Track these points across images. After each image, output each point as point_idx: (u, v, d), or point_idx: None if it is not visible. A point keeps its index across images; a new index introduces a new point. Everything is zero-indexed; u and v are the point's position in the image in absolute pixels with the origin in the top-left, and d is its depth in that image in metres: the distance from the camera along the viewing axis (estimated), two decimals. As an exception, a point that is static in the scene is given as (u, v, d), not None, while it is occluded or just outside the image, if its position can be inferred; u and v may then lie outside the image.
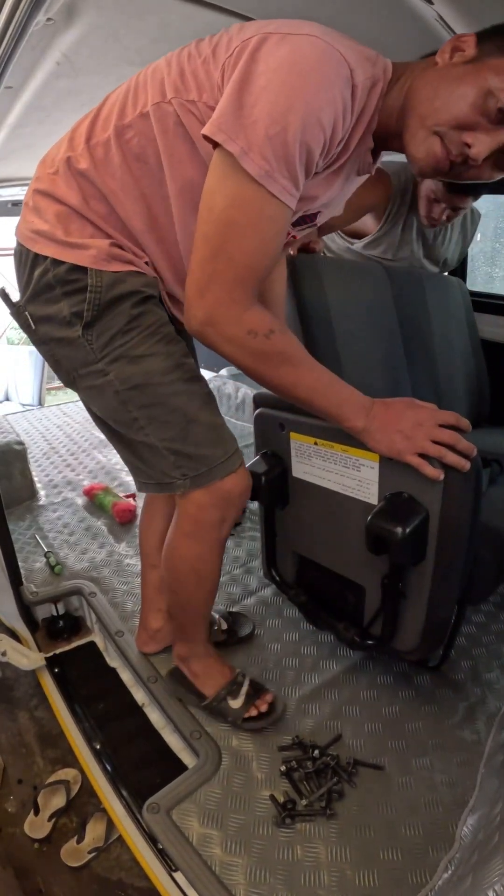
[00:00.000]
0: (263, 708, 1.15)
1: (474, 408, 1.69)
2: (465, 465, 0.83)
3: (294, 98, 0.64)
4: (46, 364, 4.18)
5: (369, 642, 1.07)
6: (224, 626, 1.39)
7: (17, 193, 2.10)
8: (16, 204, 2.16)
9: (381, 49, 0.85)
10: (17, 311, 0.95)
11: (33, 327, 0.92)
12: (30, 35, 1.15)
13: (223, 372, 3.08)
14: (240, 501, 0.98)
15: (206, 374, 2.84)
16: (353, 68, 0.67)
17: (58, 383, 6.54)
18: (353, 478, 1.00)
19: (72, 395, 6.02)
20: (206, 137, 0.69)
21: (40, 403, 4.45)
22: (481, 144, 0.71)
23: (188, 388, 0.90)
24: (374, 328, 1.37)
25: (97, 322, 0.86)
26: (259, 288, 0.77)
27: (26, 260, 0.89)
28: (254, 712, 1.14)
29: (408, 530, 0.86)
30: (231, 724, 1.16)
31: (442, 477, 0.83)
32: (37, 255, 0.87)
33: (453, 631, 1.12)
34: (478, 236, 1.97)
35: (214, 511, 0.96)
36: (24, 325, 0.93)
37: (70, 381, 0.96)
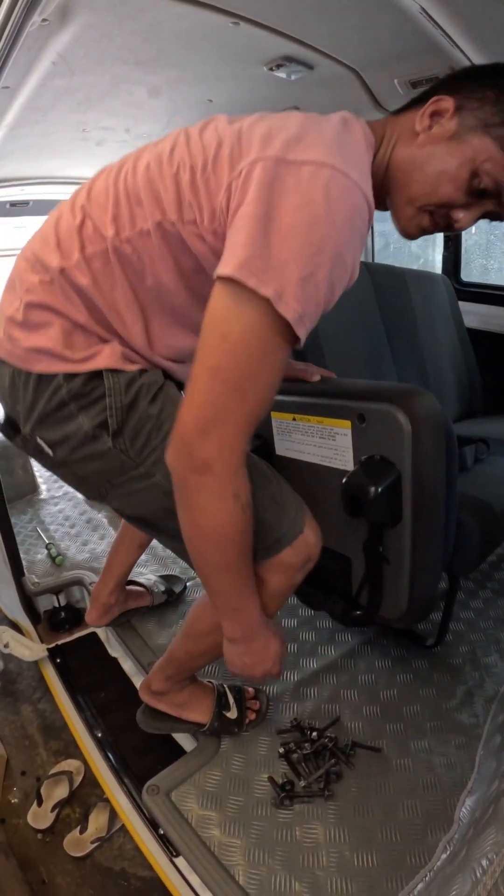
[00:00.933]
0: (255, 707, 1.16)
1: (465, 398, 1.71)
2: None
3: (323, 239, 0.61)
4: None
5: (358, 613, 1.08)
6: (163, 588, 1.48)
7: (16, 194, 2.13)
8: (14, 205, 2.19)
9: (366, 42, 0.88)
10: (24, 439, 0.84)
11: (50, 454, 0.83)
12: (25, 35, 1.18)
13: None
14: (314, 555, 0.93)
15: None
16: (364, 192, 0.65)
17: None
18: (330, 447, 1.02)
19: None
20: (229, 279, 0.62)
21: None
22: (467, 218, 0.74)
23: None
24: (357, 325, 1.40)
25: (125, 427, 0.79)
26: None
27: (25, 382, 0.78)
28: (252, 716, 1.14)
29: (380, 489, 0.88)
30: (236, 735, 1.13)
31: None
32: (40, 376, 0.77)
33: (448, 604, 1.12)
34: (472, 229, 1.99)
35: (289, 570, 0.90)
36: (36, 452, 0.84)
37: (101, 494, 0.88)
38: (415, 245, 2.49)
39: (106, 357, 0.77)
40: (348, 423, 0.96)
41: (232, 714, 1.12)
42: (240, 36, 1.26)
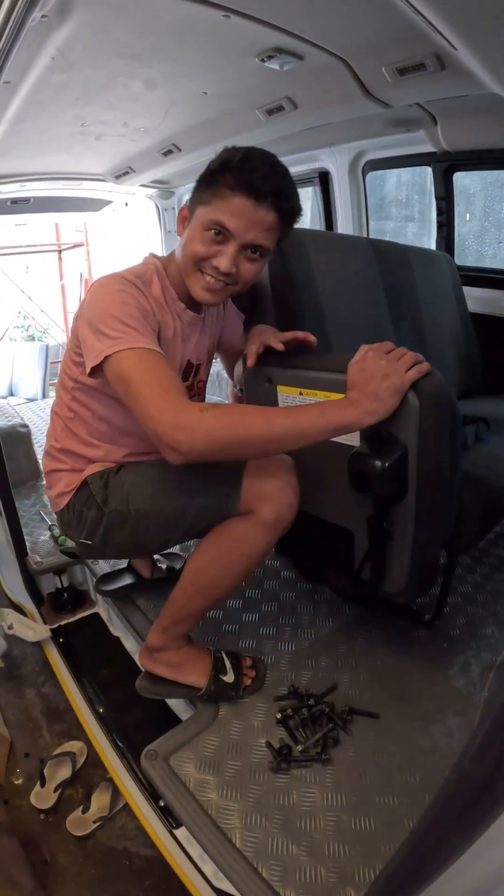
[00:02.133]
0: (252, 674, 1.17)
1: (465, 376, 1.72)
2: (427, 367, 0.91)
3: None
4: (49, 360, 4.31)
5: (359, 588, 1.09)
6: (164, 565, 1.51)
7: (17, 190, 2.18)
8: (15, 202, 2.24)
9: (353, 31, 0.92)
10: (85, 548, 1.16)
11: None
12: (26, 31, 1.22)
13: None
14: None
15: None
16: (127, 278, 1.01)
17: None
18: None
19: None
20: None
21: (44, 398, 4.55)
22: (223, 259, 0.99)
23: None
24: (360, 297, 1.41)
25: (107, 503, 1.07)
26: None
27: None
28: (247, 681, 1.16)
29: (387, 464, 0.89)
30: (233, 700, 1.14)
31: None
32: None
33: (446, 580, 1.13)
34: (467, 216, 2.02)
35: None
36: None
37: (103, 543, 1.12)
38: (410, 234, 2.53)
39: (87, 473, 1.13)
40: None
41: (228, 678, 1.13)
42: (231, 28, 1.30)
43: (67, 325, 7.03)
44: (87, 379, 1.03)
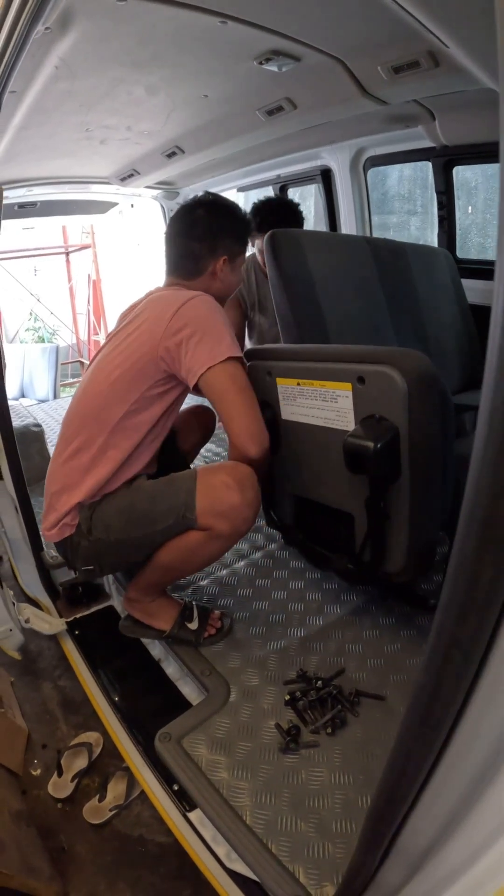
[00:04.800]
0: (217, 625, 1.32)
1: (467, 368, 1.74)
2: None
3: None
4: (59, 361, 4.37)
5: (360, 569, 1.12)
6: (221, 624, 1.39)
7: (23, 195, 2.24)
8: (22, 206, 2.30)
9: (347, 32, 0.97)
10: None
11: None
12: (30, 43, 1.27)
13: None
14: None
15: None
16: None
17: (72, 379, 6.70)
18: (332, 409, 1.07)
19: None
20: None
21: (55, 398, 4.62)
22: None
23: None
24: (358, 295, 1.45)
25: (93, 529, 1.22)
26: None
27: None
28: (212, 630, 1.31)
29: (380, 445, 0.93)
30: (193, 645, 1.28)
31: None
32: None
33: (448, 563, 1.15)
34: (469, 209, 2.03)
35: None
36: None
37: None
38: (413, 228, 2.54)
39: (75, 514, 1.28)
40: (349, 386, 1.02)
41: (193, 626, 1.29)
42: (228, 33, 1.33)
43: (77, 326, 7.09)
44: (160, 389, 1.17)
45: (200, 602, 1.41)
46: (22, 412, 2.30)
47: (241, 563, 1.59)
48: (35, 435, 2.17)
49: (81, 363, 6.99)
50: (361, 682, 1.16)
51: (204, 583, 1.55)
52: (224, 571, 1.59)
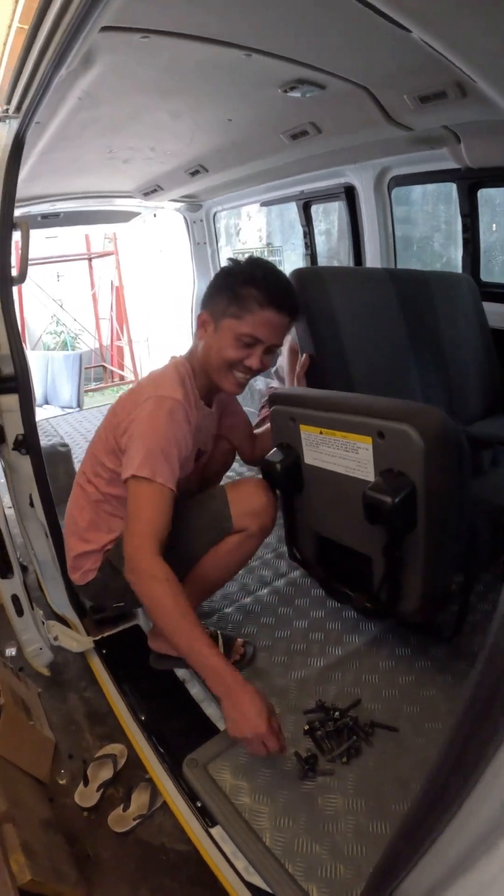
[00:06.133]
0: (241, 652, 1.37)
1: (489, 396, 1.74)
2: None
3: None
4: (83, 367, 4.38)
5: (377, 608, 1.16)
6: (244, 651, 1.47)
7: (46, 209, 2.29)
8: (45, 217, 2.33)
9: (371, 62, 0.96)
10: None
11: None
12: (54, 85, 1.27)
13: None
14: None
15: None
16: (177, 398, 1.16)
17: (94, 385, 6.71)
18: (353, 459, 1.11)
19: (109, 397, 6.27)
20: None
21: (79, 406, 4.62)
22: (254, 359, 1.19)
23: None
24: (380, 329, 1.46)
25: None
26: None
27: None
28: (236, 657, 1.36)
29: (397, 500, 0.96)
30: None
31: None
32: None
33: (464, 599, 1.19)
34: (493, 226, 2.01)
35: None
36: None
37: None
38: (437, 244, 2.50)
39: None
40: (369, 439, 1.05)
41: None
42: (253, 65, 1.33)
43: (100, 331, 7.11)
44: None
45: (225, 630, 1.47)
46: (48, 430, 2.32)
47: (265, 591, 1.64)
48: (62, 455, 2.19)
49: (104, 367, 7.04)
50: (376, 713, 1.21)
51: (229, 610, 1.60)
52: (248, 599, 1.65)
